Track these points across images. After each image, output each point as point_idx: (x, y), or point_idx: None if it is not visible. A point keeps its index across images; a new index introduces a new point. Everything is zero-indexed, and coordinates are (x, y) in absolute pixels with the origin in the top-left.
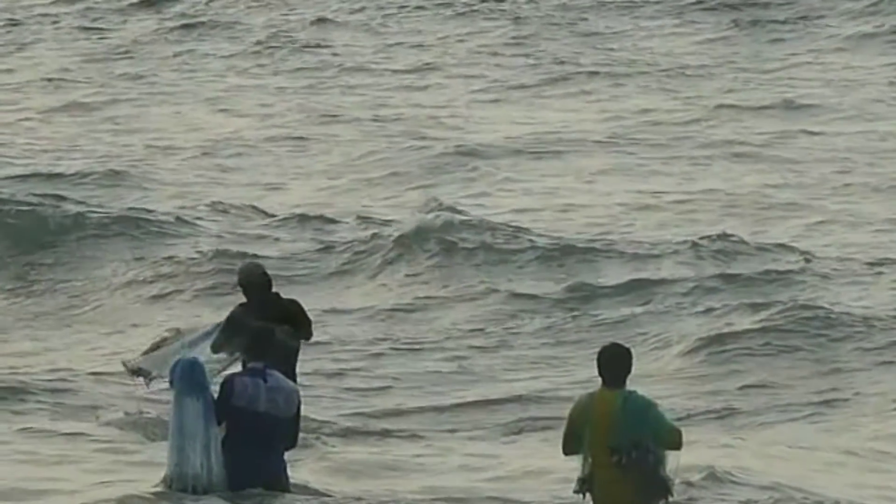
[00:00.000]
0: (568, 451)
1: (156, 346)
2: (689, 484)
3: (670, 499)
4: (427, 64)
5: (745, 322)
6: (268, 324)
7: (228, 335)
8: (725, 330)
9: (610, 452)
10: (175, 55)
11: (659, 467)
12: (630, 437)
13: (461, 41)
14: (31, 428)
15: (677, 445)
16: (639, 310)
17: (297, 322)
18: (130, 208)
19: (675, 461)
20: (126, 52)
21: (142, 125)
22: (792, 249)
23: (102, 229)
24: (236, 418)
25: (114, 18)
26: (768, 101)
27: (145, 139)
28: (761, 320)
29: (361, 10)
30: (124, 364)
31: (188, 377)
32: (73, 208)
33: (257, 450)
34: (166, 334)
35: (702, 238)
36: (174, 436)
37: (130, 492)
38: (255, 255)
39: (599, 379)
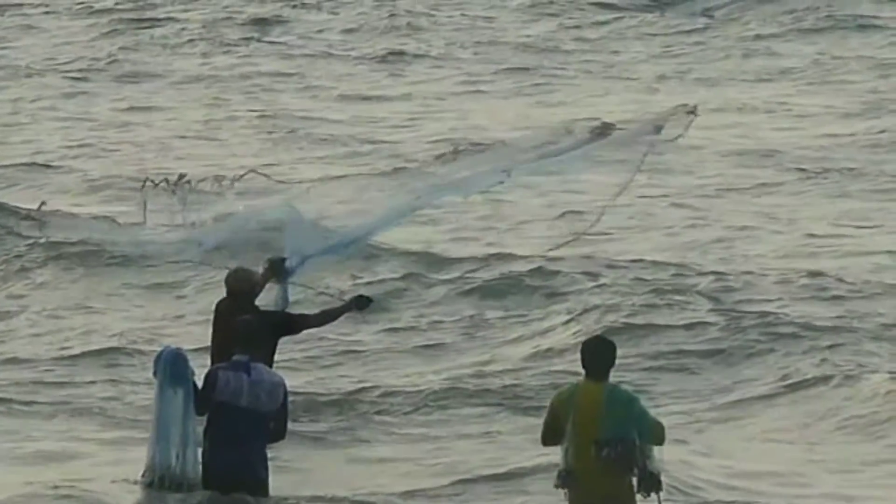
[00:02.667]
0: (548, 442)
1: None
2: None
3: (661, 493)
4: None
5: None
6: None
7: (216, 329)
8: None
9: (595, 446)
10: None
11: (647, 461)
12: (615, 431)
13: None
14: None
15: (661, 440)
16: None
17: (285, 325)
18: None
19: (658, 455)
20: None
21: None
22: None
23: None
24: (218, 412)
25: None
26: None
27: None
28: None
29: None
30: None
31: (170, 368)
32: None
33: (237, 445)
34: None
35: None
36: (154, 426)
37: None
38: None
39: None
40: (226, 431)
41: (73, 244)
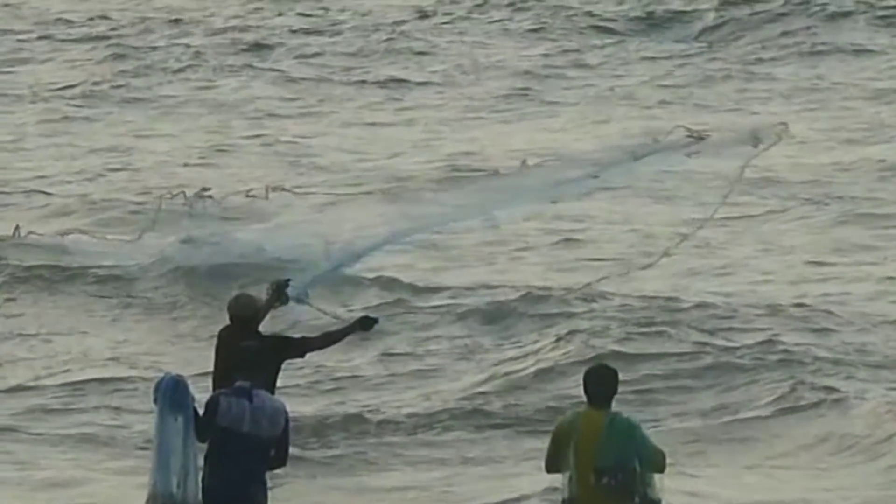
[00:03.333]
0: (551, 469)
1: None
2: None
3: None
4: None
5: None
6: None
7: (221, 357)
8: None
9: (596, 473)
10: None
11: (648, 490)
12: (616, 459)
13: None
14: None
15: (661, 468)
16: None
17: (288, 348)
18: None
19: (659, 483)
20: None
21: None
22: None
23: None
24: (219, 438)
25: None
26: None
27: None
28: None
29: None
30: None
31: (170, 395)
32: None
33: (237, 471)
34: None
35: None
36: (155, 454)
37: None
38: None
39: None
40: (226, 457)
41: (49, 268)
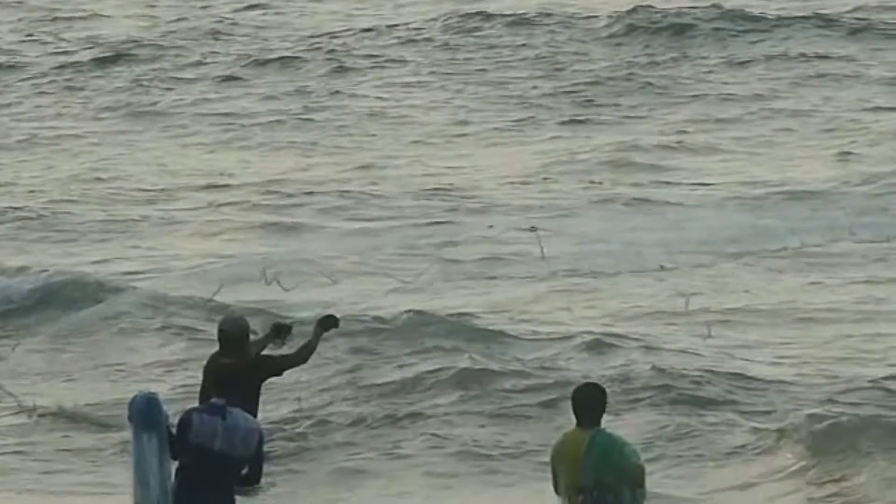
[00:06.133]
0: (556, 492)
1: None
2: None
3: None
4: None
5: None
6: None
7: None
8: None
9: (578, 492)
10: None
11: None
12: (595, 478)
13: None
14: None
15: (639, 483)
16: None
17: (266, 367)
18: None
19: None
20: None
21: None
22: None
23: None
24: (190, 454)
25: None
26: None
27: None
28: None
29: None
30: None
31: (144, 413)
32: None
33: (207, 488)
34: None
35: None
36: (133, 473)
37: None
38: None
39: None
40: (196, 473)
41: None
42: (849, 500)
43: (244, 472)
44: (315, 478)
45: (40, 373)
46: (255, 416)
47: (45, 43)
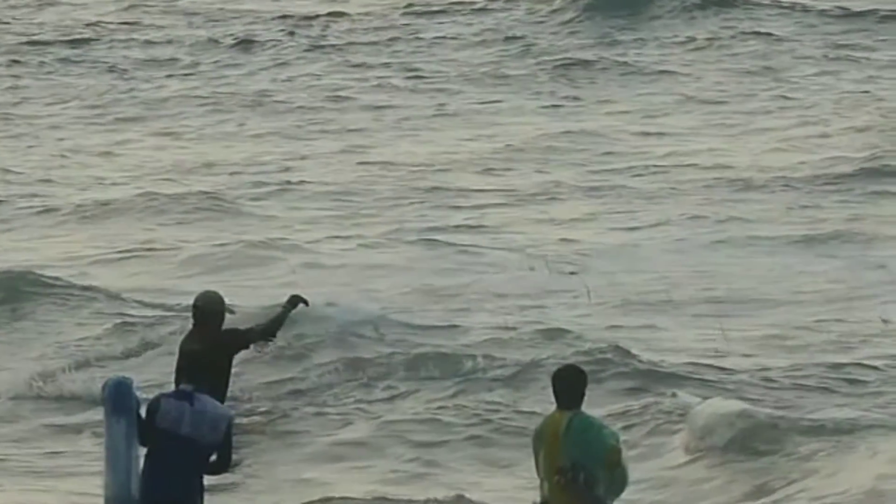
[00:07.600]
0: (537, 473)
1: None
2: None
3: None
4: None
5: None
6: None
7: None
8: None
9: (555, 472)
10: None
11: (594, 486)
12: (572, 459)
13: None
14: None
15: (613, 464)
16: None
17: (234, 342)
18: None
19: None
20: None
21: None
22: None
23: None
24: (158, 439)
25: None
26: None
27: None
28: None
29: None
30: None
31: (113, 397)
32: None
33: (174, 474)
34: None
35: None
36: (105, 457)
37: None
38: None
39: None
40: (164, 459)
41: None
42: (770, 487)
43: (213, 458)
44: (286, 460)
45: None
46: (225, 393)
47: None
